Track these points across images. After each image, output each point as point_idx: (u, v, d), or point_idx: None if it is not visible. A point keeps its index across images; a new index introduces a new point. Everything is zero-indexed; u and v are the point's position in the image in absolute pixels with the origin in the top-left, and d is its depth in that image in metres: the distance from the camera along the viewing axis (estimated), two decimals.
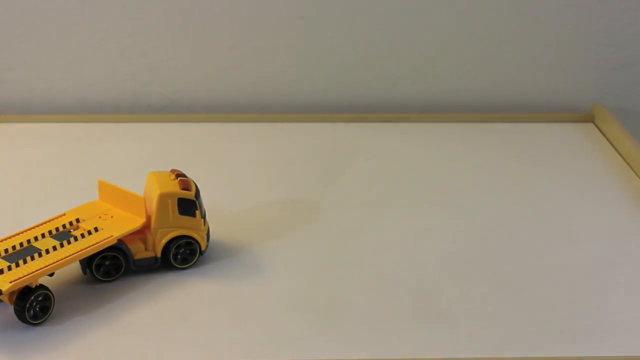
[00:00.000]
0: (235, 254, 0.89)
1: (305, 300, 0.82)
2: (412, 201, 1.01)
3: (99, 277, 0.83)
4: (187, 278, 0.85)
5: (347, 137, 1.17)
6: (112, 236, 0.81)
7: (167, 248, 0.84)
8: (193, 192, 0.84)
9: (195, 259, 0.86)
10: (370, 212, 0.98)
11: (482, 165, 1.10)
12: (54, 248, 0.79)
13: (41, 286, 0.77)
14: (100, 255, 0.82)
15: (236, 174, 1.06)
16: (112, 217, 0.85)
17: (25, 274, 0.75)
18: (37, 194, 1.00)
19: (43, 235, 0.81)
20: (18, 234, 0.82)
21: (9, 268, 0.76)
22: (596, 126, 1.22)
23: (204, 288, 0.83)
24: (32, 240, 0.80)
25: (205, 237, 0.86)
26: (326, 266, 0.87)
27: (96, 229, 0.82)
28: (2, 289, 0.73)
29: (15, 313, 0.76)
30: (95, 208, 0.86)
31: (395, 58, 1.23)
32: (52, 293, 0.78)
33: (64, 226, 0.83)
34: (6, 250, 0.79)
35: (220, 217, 0.94)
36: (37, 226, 0.83)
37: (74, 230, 0.83)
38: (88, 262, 0.82)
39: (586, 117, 1.24)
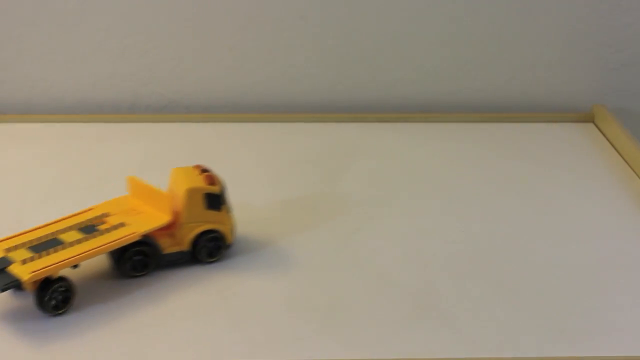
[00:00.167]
0: (235, 254, 0.89)
1: (305, 300, 0.82)
2: (412, 201, 1.01)
3: (128, 272, 0.84)
4: (187, 279, 0.85)
5: (347, 137, 1.17)
6: (135, 232, 0.82)
7: (196, 242, 0.85)
8: (219, 187, 0.85)
9: (222, 252, 0.87)
10: (370, 212, 0.98)
11: (482, 165, 1.10)
12: (78, 241, 0.80)
13: (61, 278, 0.78)
14: (130, 250, 0.83)
15: (235, 174, 1.06)
16: (139, 213, 0.85)
17: (47, 265, 0.76)
18: (38, 194, 1.00)
19: (70, 228, 0.83)
20: (46, 226, 0.83)
21: (32, 259, 0.77)
22: (596, 126, 1.22)
23: (203, 289, 0.83)
24: (58, 233, 0.82)
25: (231, 231, 0.87)
26: (326, 266, 0.87)
27: (122, 224, 0.83)
28: (23, 278, 0.75)
29: (36, 303, 0.78)
30: (124, 203, 0.87)
31: (395, 58, 1.23)
32: (73, 285, 0.79)
33: (91, 220, 0.84)
34: (33, 242, 0.80)
35: None
36: (65, 219, 0.84)
37: (101, 224, 0.83)
38: (118, 258, 0.83)
39: (586, 117, 1.24)
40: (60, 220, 0.84)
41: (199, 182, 0.85)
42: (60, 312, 0.78)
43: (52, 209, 0.94)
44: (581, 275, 0.87)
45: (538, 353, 0.75)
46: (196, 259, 0.86)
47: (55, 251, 0.79)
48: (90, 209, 0.86)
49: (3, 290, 0.75)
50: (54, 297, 0.78)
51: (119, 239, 0.81)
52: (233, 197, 0.94)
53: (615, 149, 1.15)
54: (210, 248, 0.86)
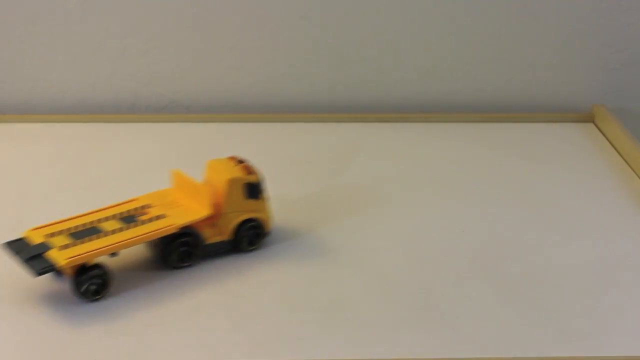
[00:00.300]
0: (234, 254, 0.89)
1: (305, 300, 0.82)
2: (412, 201, 1.01)
3: (174, 263, 0.85)
4: (186, 279, 0.85)
5: (347, 137, 1.17)
6: (173, 224, 0.83)
7: (238, 231, 0.87)
8: (257, 177, 0.88)
9: (261, 240, 0.89)
10: (370, 212, 0.98)
11: (482, 165, 1.10)
12: (117, 230, 0.82)
13: (97, 265, 0.79)
14: (176, 242, 0.84)
15: None
16: (180, 206, 0.87)
17: (83, 252, 0.78)
18: (38, 194, 1.00)
19: (111, 218, 0.84)
20: (88, 214, 0.85)
21: (70, 245, 0.79)
22: (596, 126, 1.22)
23: (202, 289, 0.83)
24: (99, 221, 0.83)
25: (269, 219, 0.89)
26: (326, 266, 0.87)
27: (162, 216, 0.84)
28: (59, 264, 0.76)
29: (71, 288, 0.79)
30: (167, 196, 0.89)
31: (395, 58, 1.23)
32: (109, 273, 0.80)
33: (132, 211, 0.85)
34: (72, 229, 0.82)
35: None
36: (108, 208, 0.86)
37: (141, 215, 0.85)
38: (164, 248, 0.84)
39: (586, 117, 1.24)
40: (103, 210, 0.86)
41: (238, 172, 0.87)
42: (96, 298, 0.80)
43: (52, 209, 0.94)
44: (581, 275, 0.87)
45: (538, 353, 0.75)
46: (237, 248, 0.88)
47: (94, 239, 0.80)
48: (133, 200, 0.88)
49: (39, 274, 0.76)
50: (90, 283, 0.79)
51: (156, 230, 0.82)
52: None
53: (615, 149, 1.15)
54: (250, 236, 0.88)
